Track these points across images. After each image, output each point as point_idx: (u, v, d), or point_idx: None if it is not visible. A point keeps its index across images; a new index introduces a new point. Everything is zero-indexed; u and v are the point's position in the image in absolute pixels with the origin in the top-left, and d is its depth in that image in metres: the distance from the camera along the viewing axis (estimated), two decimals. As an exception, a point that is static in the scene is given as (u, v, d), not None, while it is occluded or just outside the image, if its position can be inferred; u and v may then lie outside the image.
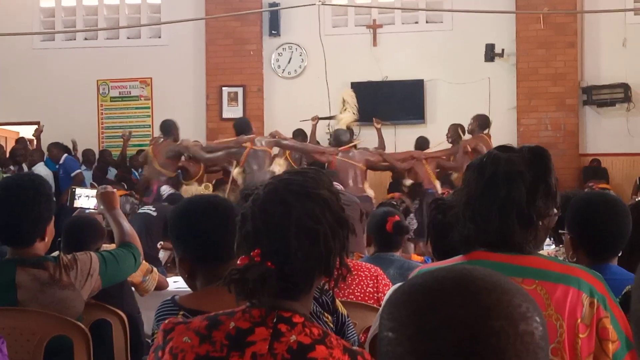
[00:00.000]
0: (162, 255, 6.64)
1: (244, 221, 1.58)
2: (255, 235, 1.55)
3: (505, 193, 1.81)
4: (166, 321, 1.59)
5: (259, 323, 1.51)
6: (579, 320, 1.75)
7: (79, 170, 10.37)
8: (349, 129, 9.90)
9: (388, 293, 2.84)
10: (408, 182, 8.62)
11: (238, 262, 1.52)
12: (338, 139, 9.06)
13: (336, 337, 1.57)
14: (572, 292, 1.76)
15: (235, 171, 8.62)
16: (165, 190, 8.41)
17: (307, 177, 1.61)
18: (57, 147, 10.67)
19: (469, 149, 8.72)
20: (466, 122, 9.40)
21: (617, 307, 1.81)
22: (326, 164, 8.70)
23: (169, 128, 9.22)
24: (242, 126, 9.02)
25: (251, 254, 1.51)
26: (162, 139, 9.24)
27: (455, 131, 9.46)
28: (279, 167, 8.41)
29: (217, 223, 2.09)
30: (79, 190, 3.73)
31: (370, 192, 8.71)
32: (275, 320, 1.52)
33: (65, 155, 10.66)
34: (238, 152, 8.65)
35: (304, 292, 1.58)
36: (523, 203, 1.81)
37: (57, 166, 10.44)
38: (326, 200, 1.58)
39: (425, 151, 9.41)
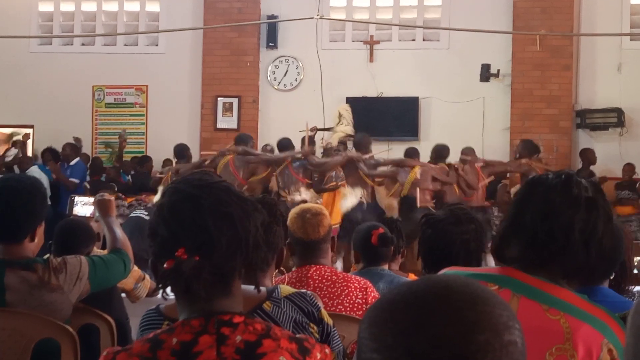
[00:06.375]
0: None
1: (155, 230, 1.59)
2: (173, 238, 1.55)
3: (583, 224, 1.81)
4: (104, 353, 1.56)
5: (200, 332, 1.51)
6: None
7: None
8: (342, 143, 9.91)
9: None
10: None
11: (165, 265, 1.52)
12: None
13: (280, 329, 1.59)
14: (595, 334, 1.74)
15: None
16: None
17: (201, 174, 1.69)
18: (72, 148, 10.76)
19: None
20: (459, 141, 9.42)
21: None
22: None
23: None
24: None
25: (176, 254, 1.52)
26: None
27: (525, 148, 9.35)
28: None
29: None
30: (77, 198, 3.79)
31: None
32: (216, 325, 1.52)
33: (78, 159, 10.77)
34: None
35: (233, 283, 1.59)
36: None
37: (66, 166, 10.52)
38: (227, 186, 1.64)
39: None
